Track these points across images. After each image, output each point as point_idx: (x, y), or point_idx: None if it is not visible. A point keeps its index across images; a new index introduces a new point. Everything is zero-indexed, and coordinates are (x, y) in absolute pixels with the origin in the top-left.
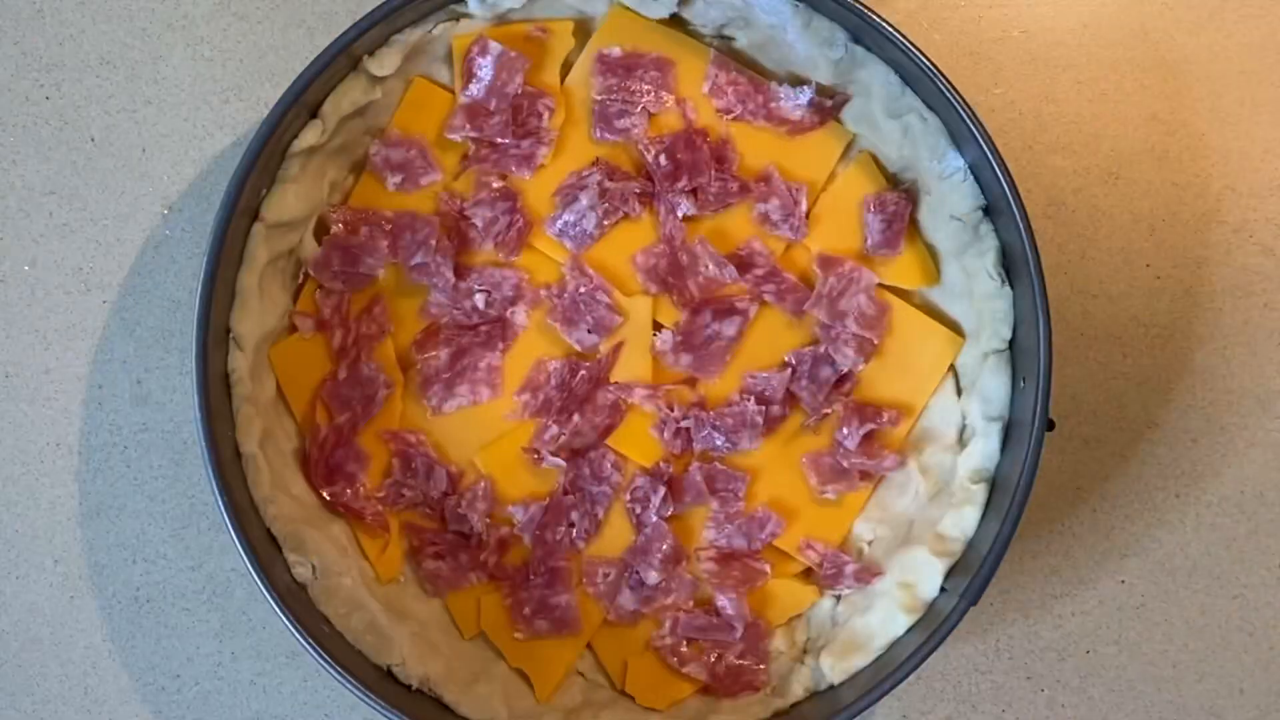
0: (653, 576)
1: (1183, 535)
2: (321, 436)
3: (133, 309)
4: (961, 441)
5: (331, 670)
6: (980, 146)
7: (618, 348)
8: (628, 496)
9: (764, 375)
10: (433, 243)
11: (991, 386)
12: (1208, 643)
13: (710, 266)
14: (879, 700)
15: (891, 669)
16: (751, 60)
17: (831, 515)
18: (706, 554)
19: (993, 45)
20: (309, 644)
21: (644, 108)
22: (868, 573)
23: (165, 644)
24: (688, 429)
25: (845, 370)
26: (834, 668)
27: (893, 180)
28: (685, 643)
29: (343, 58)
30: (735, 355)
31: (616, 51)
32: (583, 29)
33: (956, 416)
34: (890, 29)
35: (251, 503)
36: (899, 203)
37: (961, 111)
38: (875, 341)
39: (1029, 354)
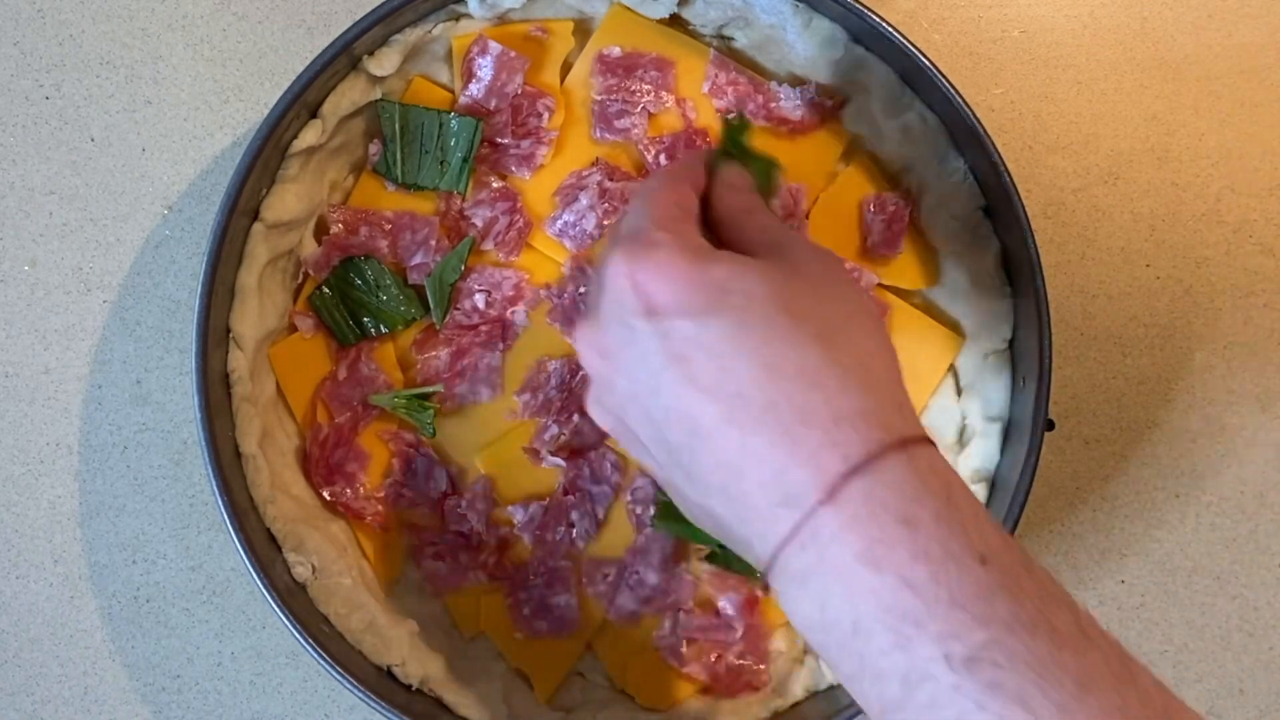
0: (653, 577)
1: (1183, 535)
2: (321, 436)
3: (133, 309)
4: (961, 442)
5: (331, 670)
6: (980, 146)
7: None
8: (628, 496)
9: None
10: (433, 243)
11: (991, 387)
12: (1208, 643)
13: None
14: None
15: None
16: (751, 60)
17: None
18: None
19: (993, 45)
20: (309, 644)
21: (644, 108)
22: None
23: (165, 644)
24: None
25: None
26: None
27: (893, 180)
28: (685, 643)
29: (343, 58)
30: None
31: (616, 51)
32: (583, 29)
33: (956, 416)
34: (890, 29)
35: (251, 503)
36: (899, 203)
37: (962, 111)
38: None
39: (1029, 354)
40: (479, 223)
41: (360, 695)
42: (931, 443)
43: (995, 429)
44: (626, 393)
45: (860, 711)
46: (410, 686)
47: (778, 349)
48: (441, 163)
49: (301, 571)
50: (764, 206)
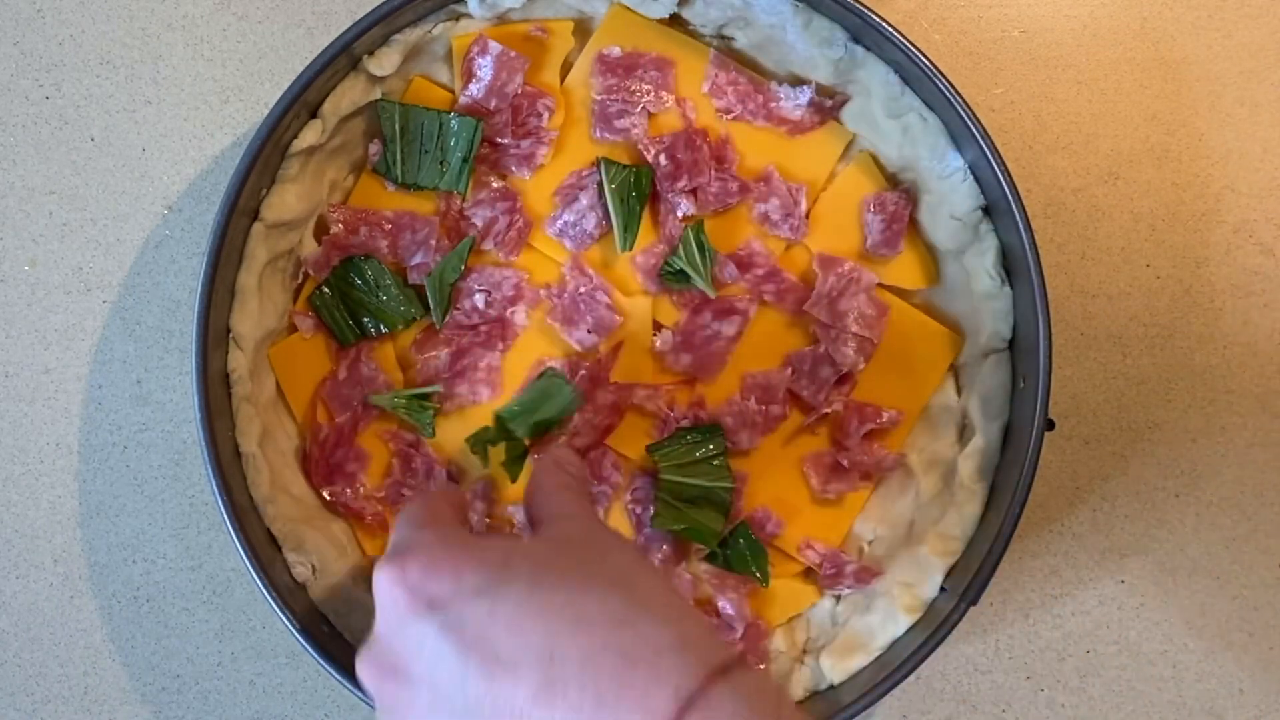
0: None
1: (1183, 535)
2: (321, 436)
3: (133, 309)
4: (961, 441)
5: (331, 670)
6: (980, 146)
7: (618, 348)
8: (628, 496)
9: (764, 375)
10: (433, 243)
11: (991, 386)
12: (1208, 643)
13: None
14: (879, 700)
15: (891, 669)
16: (751, 60)
17: (831, 515)
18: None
19: (993, 45)
20: (309, 644)
21: (644, 108)
22: (868, 573)
23: (165, 644)
24: (688, 429)
25: (845, 370)
26: (834, 668)
27: (893, 180)
28: None
29: (343, 58)
30: (735, 355)
31: (616, 51)
32: (583, 29)
33: (956, 416)
34: (890, 29)
35: (251, 503)
36: (899, 203)
37: (961, 111)
38: (875, 341)
39: (1029, 354)
40: (479, 223)
41: (360, 695)
42: (746, 662)
43: (995, 428)
44: (428, 705)
45: (860, 711)
46: None
47: (580, 600)
48: (441, 163)
49: (301, 571)
50: (577, 487)
